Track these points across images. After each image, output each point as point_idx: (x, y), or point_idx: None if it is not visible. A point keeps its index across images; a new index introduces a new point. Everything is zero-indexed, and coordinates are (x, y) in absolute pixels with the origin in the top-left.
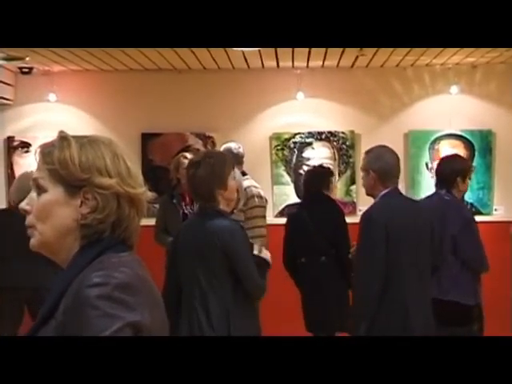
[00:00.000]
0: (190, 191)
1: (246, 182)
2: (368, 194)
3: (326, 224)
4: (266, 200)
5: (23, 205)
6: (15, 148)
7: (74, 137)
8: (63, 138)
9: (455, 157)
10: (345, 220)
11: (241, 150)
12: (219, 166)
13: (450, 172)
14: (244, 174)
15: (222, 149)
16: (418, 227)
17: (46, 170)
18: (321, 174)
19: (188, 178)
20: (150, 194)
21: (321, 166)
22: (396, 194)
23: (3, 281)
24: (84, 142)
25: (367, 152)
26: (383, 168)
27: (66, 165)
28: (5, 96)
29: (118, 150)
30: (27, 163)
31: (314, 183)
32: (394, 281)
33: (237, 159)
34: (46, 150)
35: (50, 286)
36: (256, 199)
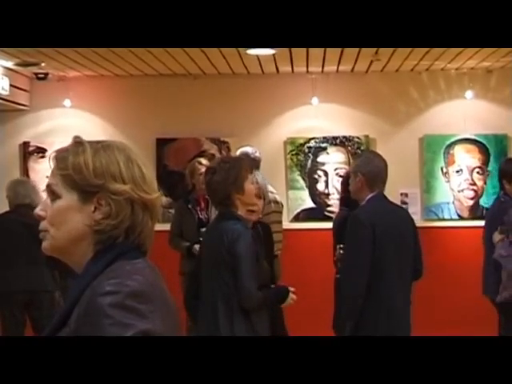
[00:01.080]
0: (208, 197)
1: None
2: (354, 197)
3: None
4: (282, 205)
5: (37, 210)
6: (31, 153)
7: (88, 142)
8: (78, 143)
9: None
10: None
11: (257, 154)
12: (235, 170)
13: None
14: None
15: (238, 153)
16: (402, 231)
17: (59, 175)
18: None
19: (205, 184)
20: (165, 200)
21: None
22: (381, 198)
23: (4, 286)
24: (98, 147)
25: (357, 156)
26: (372, 172)
27: (80, 170)
28: (20, 102)
29: (132, 154)
30: (43, 168)
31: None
32: (379, 281)
33: (253, 163)
34: (60, 156)
35: (48, 289)
36: (272, 205)
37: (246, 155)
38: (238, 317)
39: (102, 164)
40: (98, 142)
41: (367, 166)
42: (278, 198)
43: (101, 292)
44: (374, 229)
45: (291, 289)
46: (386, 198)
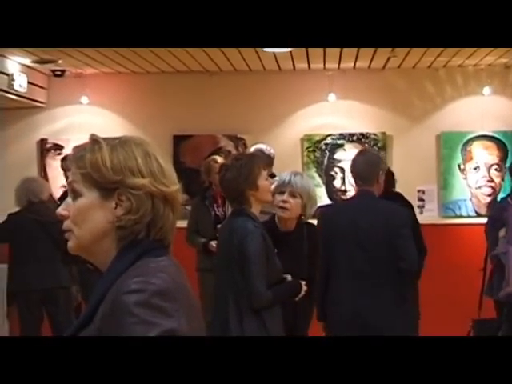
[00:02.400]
0: (223, 194)
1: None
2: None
3: None
4: None
5: (60, 210)
6: (48, 150)
7: (105, 139)
8: (94, 141)
9: None
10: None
11: (272, 152)
12: (247, 167)
13: None
14: (273, 176)
15: (251, 150)
16: (362, 230)
17: (79, 174)
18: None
19: (219, 182)
20: (182, 196)
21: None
22: (360, 195)
23: (20, 284)
24: (115, 143)
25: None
26: (352, 170)
27: (98, 168)
28: (38, 99)
29: (150, 149)
30: (60, 165)
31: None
32: (332, 281)
33: (268, 161)
34: (78, 155)
35: (63, 285)
36: None
37: (259, 152)
38: (249, 315)
39: (119, 160)
40: (115, 139)
41: (351, 164)
42: None
43: (126, 290)
44: (324, 229)
45: (302, 282)
46: (369, 195)
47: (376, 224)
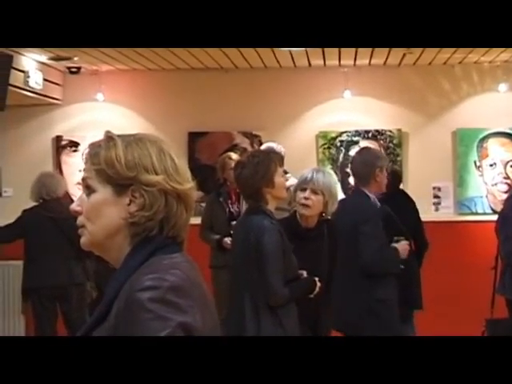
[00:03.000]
0: (239, 191)
1: (290, 181)
2: None
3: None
4: None
5: (74, 206)
6: (63, 147)
7: (120, 136)
8: (109, 137)
9: None
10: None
11: (282, 150)
12: (264, 164)
13: None
14: (285, 173)
15: (262, 148)
16: (343, 228)
17: (93, 170)
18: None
19: (235, 179)
20: (197, 193)
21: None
22: (353, 194)
23: (33, 281)
24: (130, 140)
25: None
26: (351, 169)
27: (112, 164)
28: (53, 96)
29: (165, 146)
30: (75, 162)
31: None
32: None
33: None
34: (93, 151)
35: (77, 282)
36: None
37: (270, 150)
38: (265, 313)
39: (133, 157)
40: (130, 136)
41: (350, 162)
42: None
43: (140, 287)
44: None
45: (316, 278)
46: (358, 193)
47: (346, 222)
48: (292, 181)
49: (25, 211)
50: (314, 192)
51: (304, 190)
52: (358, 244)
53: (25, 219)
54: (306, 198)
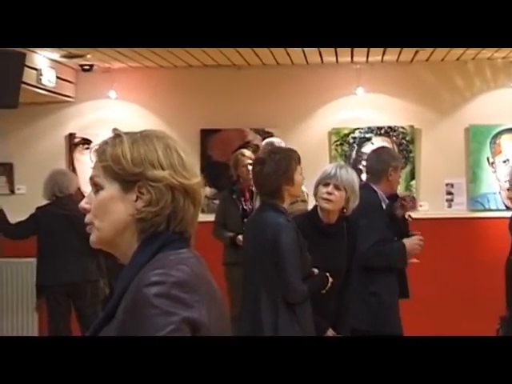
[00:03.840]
0: (255, 188)
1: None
2: None
3: None
4: (307, 194)
5: (82, 204)
6: (76, 145)
7: (127, 133)
8: (116, 135)
9: None
10: None
11: (283, 145)
12: (285, 161)
13: None
14: None
15: (263, 144)
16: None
17: (100, 167)
18: None
19: (254, 175)
20: (209, 190)
21: None
22: (361, 190)
23: (47, 277)
24: (137, 137)
25: None
26: (366, 166)
27: (119, 160)
28: (66, 93)
29: (171, 142)
30: (88, 160)
31: None
32: None
33: None
34: (100, 149)
35: (91, 279)
36: (305, 195)
37: (270, 145)
38: (282, 310)
39: (140, 153)
40: (137, 133)
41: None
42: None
43: (146, 282)
44: None
45: (327, 273)
46: (365, 187)
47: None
48: None
49: (38, 208)
50: (337, 187)
51: (327, 184)
52: (357, 237)
53: (38, 216)
54: (328, 193)
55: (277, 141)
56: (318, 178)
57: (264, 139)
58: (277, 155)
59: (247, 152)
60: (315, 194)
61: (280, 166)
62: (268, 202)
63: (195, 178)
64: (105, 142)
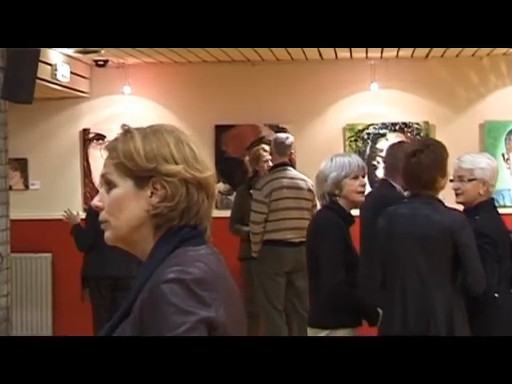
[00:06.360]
0: (409, 179)
1: (292, 173)
2: None
3: None
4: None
5: (95, 201)
6: (90, 140)
7: (136, 128)
8: (126, 131)
9: None
10: None
11: (288, 141)
12: (441, 153)
13: None
14: (285, 164)
15: (272, 140)
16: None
17: (112, 165)
18: None
19: (409, 166)
20: (223, 186)
21: None
22: (379, 186)
23: (92, 269)
24: (147, 131)
25: None
26: (384, 161)
27: (131, 156)
28: (80, 89)
29: (182, 135)
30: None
31: None
32: None
33: (281, 149)
34: (111, 146)
35: (134, 274)
36: (305, 192)
37: (276, 139)
38: (457, 311)
39: (152, 148)
40: (146, 128)
41: None
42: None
43: (164, 279)
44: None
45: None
46: (383, 184)
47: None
48: (294, 174)
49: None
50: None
51: (356, 177)
52: None
53: (88, 210)
54: (362, 186)
55: (284, 136)
56: (341, 172)
57: None
58: (433, 146)
59: (267, 147)
60: (338, 188)
61: (437, 157)
62: (425, 195)
63: (208, 170)
64: (115, 139)
